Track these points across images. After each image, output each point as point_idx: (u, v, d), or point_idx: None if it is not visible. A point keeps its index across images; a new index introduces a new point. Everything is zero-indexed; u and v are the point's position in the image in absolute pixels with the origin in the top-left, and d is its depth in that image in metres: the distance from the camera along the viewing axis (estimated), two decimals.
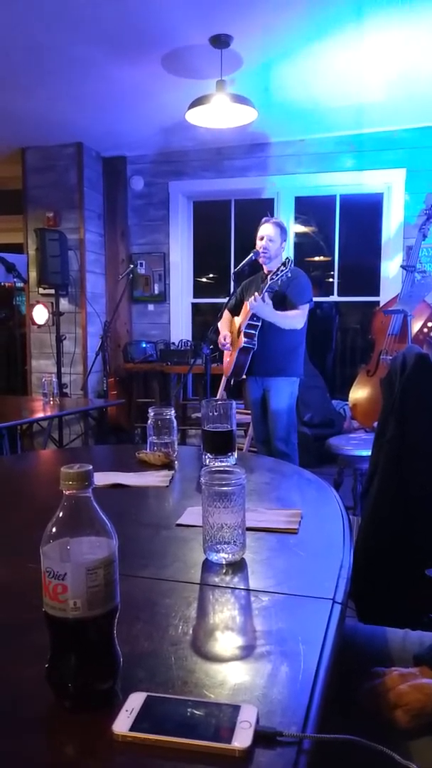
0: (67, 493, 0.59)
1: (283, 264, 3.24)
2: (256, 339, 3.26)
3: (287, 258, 3.31)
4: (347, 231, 5.08)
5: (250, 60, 3.47)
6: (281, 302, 3.26)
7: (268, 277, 3.27)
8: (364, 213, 5.01)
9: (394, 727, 0.79)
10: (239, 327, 3.35)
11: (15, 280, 4.47)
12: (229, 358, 3.46)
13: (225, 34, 3.16)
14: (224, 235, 5.30)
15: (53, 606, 0.58)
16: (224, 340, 3.44)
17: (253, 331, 3.25)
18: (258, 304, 3.14)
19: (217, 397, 3.84)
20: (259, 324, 3.23)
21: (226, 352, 3.50)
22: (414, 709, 0.79)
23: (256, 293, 3.21)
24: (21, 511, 1.26)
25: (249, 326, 3.24)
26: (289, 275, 3.24)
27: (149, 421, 1.59)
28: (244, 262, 3.42)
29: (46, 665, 0.60)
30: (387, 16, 3.00)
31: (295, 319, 3.25)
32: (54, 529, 0.59)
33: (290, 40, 3.26)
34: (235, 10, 2.93)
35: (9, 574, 0.91)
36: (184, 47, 3.32)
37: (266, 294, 3.19)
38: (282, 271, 3.21)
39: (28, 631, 0.71)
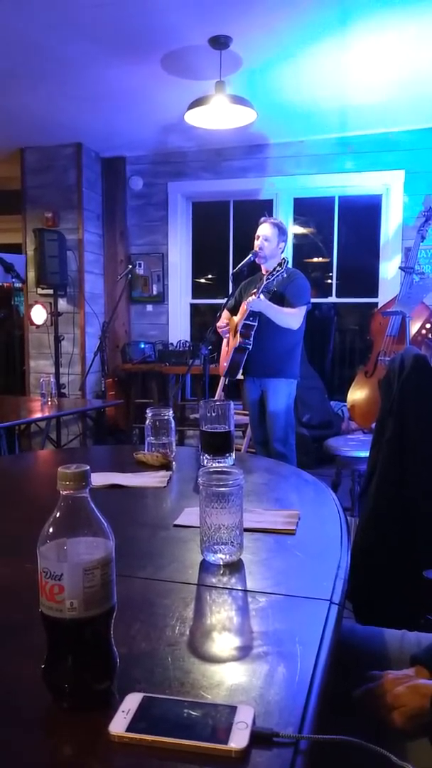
0: (64, 493, 0.59)
1: (279, 264, 3.25)
2: (251, 339, 3.26)
3: (283, 258, 3.31)
4: (346, 232, 5.08)
5: (249, 61, 3.48)
6: (279, 303, 3.27)
7: (264, 277, 3.28)
8: (363, 214, 5.02)
9: (390, 728, 0.79)
10: (236, 326, 3.36)
11: (13, 280, 4.47)
12: (225, 352, 3.48)
13: (224, 35, 3.17)
14: (223, 236, 5.30)
15: (50, 606, 0.58)
16: (223, 324, 3.46)
17: (248, 331, 3.25)
18: (255, 300, 3.16)
19: (216, 398, 3.84)
20: (255, 324, 3.24)
21: (224, 343, 3.51)
22: (410, 710, 0.78)
23: (254, 293, 3.22)
24: (19, 512, 1.26)
25: (245, 326, 3.25)
26: (285, 275, 3.25)
27: (147, 422, 1.59)
28: (242, 263, 3.43)
29: (43, 666, 0.60)
30: (386, 18, 3.01)
31: (292, 317, 3.25)
32: (51, 530, 0.59)
33: (289, 42, 3.26)
34: (235, 11, 2.93)
35: (7, 574, 0.91)
36: (183, 48, 3.32)
37: (261, 294, 3.20)
38: (278, 271, 3.23)
39: (26, 631, 0.70)
